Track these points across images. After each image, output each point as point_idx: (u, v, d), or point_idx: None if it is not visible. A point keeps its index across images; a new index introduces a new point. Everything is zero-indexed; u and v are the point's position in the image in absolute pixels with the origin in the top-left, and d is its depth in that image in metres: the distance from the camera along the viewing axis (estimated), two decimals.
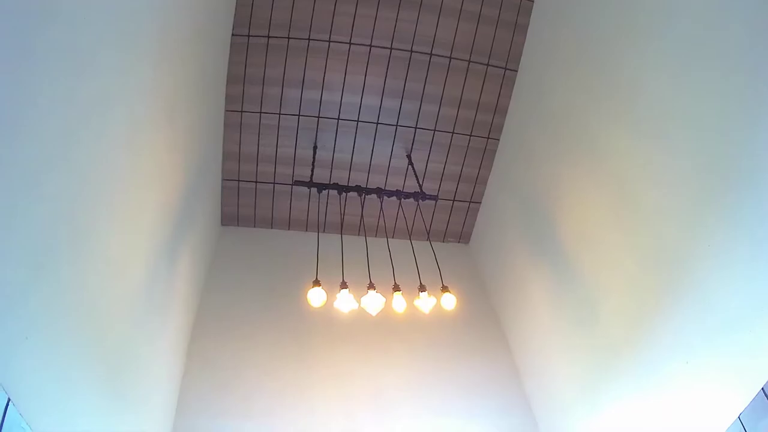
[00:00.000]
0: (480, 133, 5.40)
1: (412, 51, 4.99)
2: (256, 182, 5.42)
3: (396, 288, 4.24)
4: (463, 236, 6.01)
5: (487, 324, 5.19)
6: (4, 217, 1.58)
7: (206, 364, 4.38)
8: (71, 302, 2.11)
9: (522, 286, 4.80)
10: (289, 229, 5.76)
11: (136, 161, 2.78)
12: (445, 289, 4.28)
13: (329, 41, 4.88)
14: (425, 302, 4.23)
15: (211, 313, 4.70)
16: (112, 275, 2.59)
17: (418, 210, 5.25)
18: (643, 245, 3.31)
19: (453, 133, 5.35)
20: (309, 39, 4.84)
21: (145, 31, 2.63)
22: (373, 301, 4.10)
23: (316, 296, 4.07)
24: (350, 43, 4.91)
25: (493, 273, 5.45)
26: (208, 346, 4.49)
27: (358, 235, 5.45)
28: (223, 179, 5.37)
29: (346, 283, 4.13)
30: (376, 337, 4.76)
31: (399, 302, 4.24)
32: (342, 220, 4.90)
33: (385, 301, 4.14)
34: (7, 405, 1.66)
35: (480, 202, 5.77)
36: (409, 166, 5.39)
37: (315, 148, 5.25)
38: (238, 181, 5.39)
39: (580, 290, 3.94)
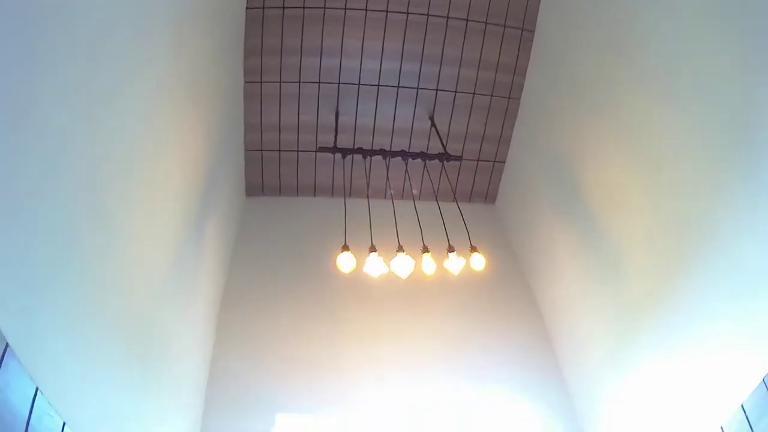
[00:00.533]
0: (501, 94, 5.36)
1: (428, 15, 4.95)
2: (279, 151, 5.45)
3: (425, 249, 4.28)
4: (489, 196, 6.00)
5: (516, 285, 5.23)
6: (32, 193, 1.63)
7: (237, 334, 4.48)
8: (100, 277, 2.19)
9: (549, 247, 4.82)
10: (315, 196, 5.79)
11: (159, 136, 2.85)
12: (473, 249, 4.31)
13: (345, 8, 4.87)
14: (454, 263, 4.27)
15: (240, 284, 4.79)
16: (140, 250, 2.66)
17: (443, 171, 5.26)
18: (667, 207, 3.32)
19: (474, 93, 5.32)
20: (324, 8, 4.83)
21: (161, 7, 2.66)
22: (403, 264, 4.13)
23: (345, 261, 4.12)
24: (366, 9, 4.89)
25: (519, 233, 5.47)
26: (238, 316, 4.58)
27: (385, 198, 5.46)
28: (246, 150, 5.40)
29: (374, 246, 4.17)
30: (406, 301, 4.82)
31: (428, 264, 4.28)
32: (368, 184, 4.91)
33: (415, 264, 4.17)
34: (36, 394, 1.70)
35: (504, 162, 5.75)
36: (432, 128, 5.39)
37: (337, 113, 5.26)
38: (261, 151, 5.43)
39: (605, 250, 3.95)
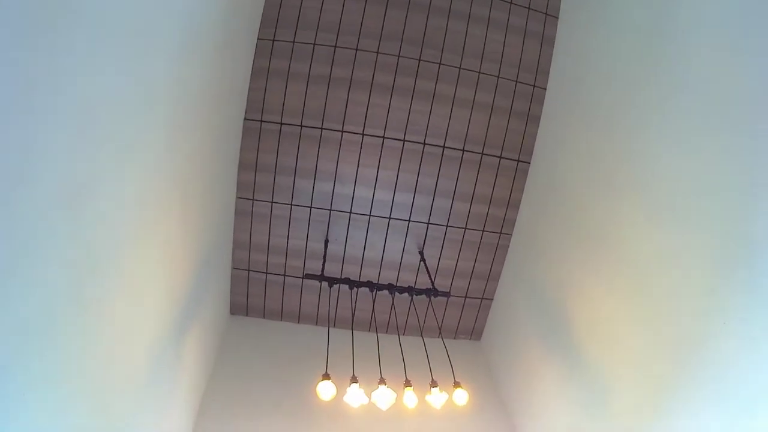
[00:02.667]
0: (492, 229, 5.35)
1: (425, 143, 5.02)
2: (266, 273, 5.37)
3: (407, 383, 4.13)
4: (475, 333, 5.85)
5: (498, 419, 4.98)
6: (6, 275, 1.54)
7: None
8: (73, 371, 2.04)
9: (534, 381, 4.65)
10: (299, 323, 5.65)
11: (147, 234, 2.74)
12: (457, 384, 4.16)
13: (342, 131, 4.93)
14: (437, 398, 4.11)
15: (217, 400, 4.55)
16: (118, 349, 2.51)
17: (430, 306, 5.20)
18: (656, 331, 3.21)
19: (465, 228, 5.31)
20: (322, 128, 4.90)
21: (159, 102, 2.65)
22: (384, 396, 3.97)
23: (325, 390, 3.96)
24: (363, 134, 4.96)
25: (504, 369, 5.28)
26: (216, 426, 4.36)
27: (369, 331, 5.37)
28: (233, 268, 5.33)
29: (356, 377, 4.02)
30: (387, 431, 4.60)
31: (410, 398, 4.12)
32: (353, 315, 4.80)
33: (396, 396, 4.02)
34: None
35: (492, 299, 5.65)
36: (422, 262, 5.34)
37: (327, 242, 5.23)
38: (248, 270, 5.35)
39: (591, 383, 3.79)
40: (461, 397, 4.15)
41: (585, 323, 4.01)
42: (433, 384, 4.12)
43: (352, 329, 4.53)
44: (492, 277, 5.55)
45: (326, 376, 3.98)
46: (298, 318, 5.63)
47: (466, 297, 5.61)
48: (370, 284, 4.80)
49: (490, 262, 5.48)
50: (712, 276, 2.84)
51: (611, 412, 3.57)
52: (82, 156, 1.90)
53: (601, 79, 4.21)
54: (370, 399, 4.01)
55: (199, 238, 3.91)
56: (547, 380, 4.45)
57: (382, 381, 4.01)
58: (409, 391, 4.12)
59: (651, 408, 3.19)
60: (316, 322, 5.62)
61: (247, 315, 5.59)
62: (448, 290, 5.04)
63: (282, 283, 5.43)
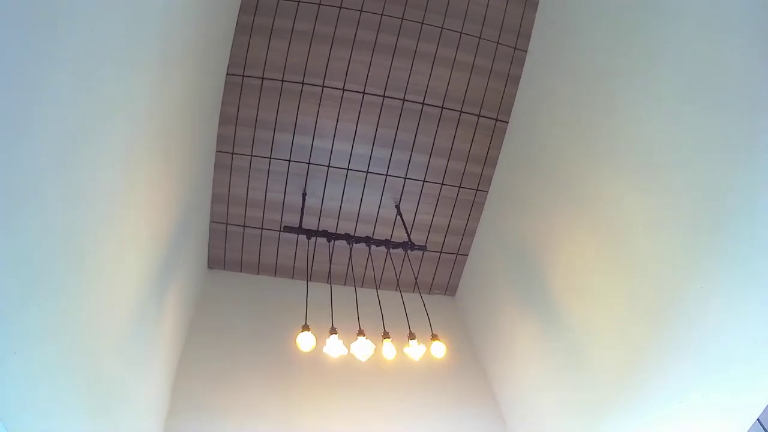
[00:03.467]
0: (469, 185, 5.43)
1: (404, 100, 5.06)
2: (244, 226, 5.39)
3: (385, 335, 4.19)
4: (450, 288, 5.96)
5: (474, 375, 5.08)
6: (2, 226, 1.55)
7: (191, 404, 4.24)
8: (62, 324, 2.05)
9: (509, 337, 4.75)
10: (275, 276, 5.69)
11: (133, 187, 2.74)
12: (434, 337, 4.23)
13: (323, 86, 4.95)
14: (415, 350, 4.18)
15: (196, 354, 4.57)
16: (104, 303, 2.52)
17: (406, 260, 5.24)
18: (634, 289, 3.28)
19: (442, 184, 5.38)
20: (303, 83, 4.91)
21: (146, 54, 2.63)
22: (363, 347, 4.03)
23: (305, 341, 3.99)
24: (344, 89, 4.98)
25: (479, 325, 5.38)
26: (193, 386, 4.34)
27: (345, 284, 5.43)
28: (212, 221, 5.35)
29: (335, 329, 4.07)
30: (365, 384, 4.67)
31: (389, 349, 4.19)
32: (330, 268, 4.86)
33: (375, 348, 4.09)
34: None
35: (467, 255, 5.75)
36: (398, 216, 5.40)
37: (304, 194, 5.25)
38: (226, 224, 5.37)
39: (568, 337, 3.89)
40: (439, 349, 4.22)
41: (561, 278, 4.10)
42: (411, 336, 4.19)
43: (330, 282, 4.57)
44: (467, 233, 5.65)
45: (306, 327, 4.02)
46: (275, 271, 5.67)
47: (441, 252, 5.69)
48: (347, 236, 4.84)
49: (466, 218, 5.56)
50: (689, 237, 2.92)
51: (586, 366, 3.67)
52: (76, 105, 1.90)
53: (583, 42, 4.26)
54: (349, 350, 4.08)
55: (180, 192, 3.90)
56: (523, 334, 4.55)
57: (360, 332, 4.07)
58: (387, 342, 4.19)
59: (626, 364, 3.28)
60: (293, 275, 5.67)
61: (224, 269, 5.62)
62: (424, 244, 5.10)
63: (259, 236, 5.46)
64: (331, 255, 4.96)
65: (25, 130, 1.59)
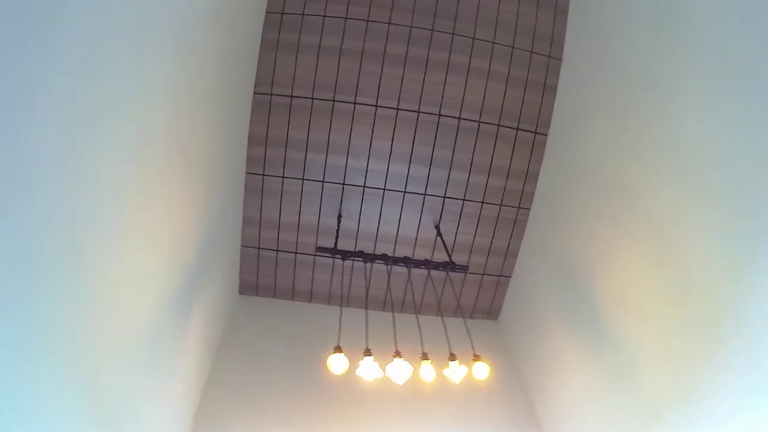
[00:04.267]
0: (510, 203, 5.18)
1: (440, 114, 4.86)
2: (277, 251, 5.20)
3: (424, 356, 3.94)
4: (492, 311, 5.67)
5: (517, 399, 4.80)
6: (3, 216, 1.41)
7: (218, 429, 4.06)
8: (62, 335, 1.88)
9: (555, 360, 4.47)
10: (311, 302, 5.48)
11: (143, 199, 2.56)
12: (477, 357, 3.98)
13: (355, 103, 4.78)
14: (456, 371, 3.92)
15: (224, 379, 4.37)
16: (111, 314, 2.33)
17: (447, 283, 5.03)
18: (687, 304, 3.03)
19: (483, 202, 5.14)
20: (334, 100, 4.75)
21: (162, 64, 2.52)
22: (400, 370, 3.76)
23: (336, 363, 3.75)
24: (376, 106, 4.80)
25: (523, 348, 5.10)
26: (219, 413, 4.13)
27: (383, 310, 5.21)
28: (243, 246, 5.17)
29: (370, 350, 3.84)
30: (401, 411, 4.41)
31: (428, 371, 3.92)
32: (367, 291, 4.64)
33: (413, 371, 3.84)
34: None
35: (510, 276, 5.49)
36: (438, 237, 5.17)
37: (339, 216, 5.06)
38: (259, 248, 5.19)
39: (618, 357, 3.61)
40: (482, 370, 3.96)
41: (610, 295, 3.84)
42: (452, 357, 3.94)
43: (366, 307, 4.34)
44: (510, 253, 5.39)
45: (338, 349, 3.79)
46: (310, 297, 5.46)
47: (483, 274, 5.43)
48: (385, 257, 4.62)
49: (508, 237, 5.31)
50: (745, 246, 2.68)
51: (636, 386, 3.41)
52: (81, 103, 1.78)
53: (618, 45, 4.06)
54: (384, 373, 3.83)
55: (205, 210, 3.75)
56: (569, 356, 4.28)
57: (397, 354, 3.81)
58: (426, 364, 3.93)
59: (678, 383, 3.03)
60: (329, 301, 5.45)
61: (257, 294, 5.42)
62: (465, 264, 4.86)
63: (293, 261, 5.27)
64: (368, 279, 4.77)
65: (24, 130, 1.46)
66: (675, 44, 3.36)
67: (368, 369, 3.80)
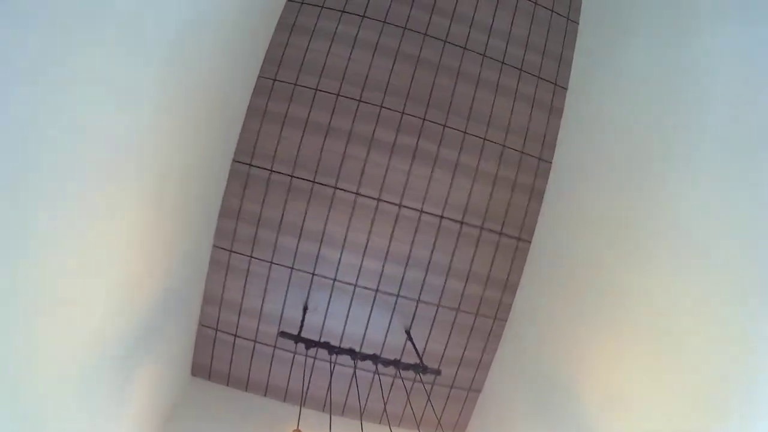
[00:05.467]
0: (487, 313, 4.89)
1: (422, 211, 4.65)
2: (235, 336, 4.87)
3: None
4: (458, 428, 5.24)
5: None
6: None
7: None
8: None
9: None
10: (265, 395, 5.09)
11: (109, 219, 2.33)
12: None
13: (335, 187, 4.58)
14: None
15: None
16: (43, 366, 2.05)
17: (414, 393, 4.68)
18: (686, 389, 2.76)
19: (458, 310, 4.86)
20: (314, 181, 4.55)
21: (141, 99, 2.35)
22: None
23: None
24: (357, 193, 4.60)
25: None
26: None
27: (342, 414, 4.86)
28: (201, 324, 4.84)
29: None
30: None
31: None
32: (330, 384, 4.30)
33: None
34: None
35: (480, 390, 5.12)
36: (408, 341, 4.85)
37: (305, 308, 4.76)
38: (216, 330, 4.85)
39: None
40: None
41: (599, 401, 3.49)
42: None
43: (330, 409, 4.00)
44: (482, 366, 5.04)
45: (297, 431, 3.41)
46: (265, 390, 5.07)
47: (452, 387, 5.07)
48: (351, 352, 4.29)
49: (482, 349, 4.98)
50: (744, 324, 2.49)
51: None
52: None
53: (610, 141, 3.97)
54: None
55: (170, 260, 3.49)
56: None
57: None
58: None
59: None
60: (285, 398, 5.06)
61: (209, 379, 5.05)
62: (437, 368, 4.53)
63: (251, 350, 4.93)
64: (332, 369, 4.43)
65: None
66: (667, 141, 3.31)
67: None
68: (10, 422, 1.89)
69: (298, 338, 4.31)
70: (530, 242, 4.82)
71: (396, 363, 4.35)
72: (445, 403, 5.12)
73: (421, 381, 4.47)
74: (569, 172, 4.49)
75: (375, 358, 4.32)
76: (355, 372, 4.41)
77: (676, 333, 2.91)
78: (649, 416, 3.05)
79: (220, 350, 4.93)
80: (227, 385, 5.04)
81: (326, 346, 4.31)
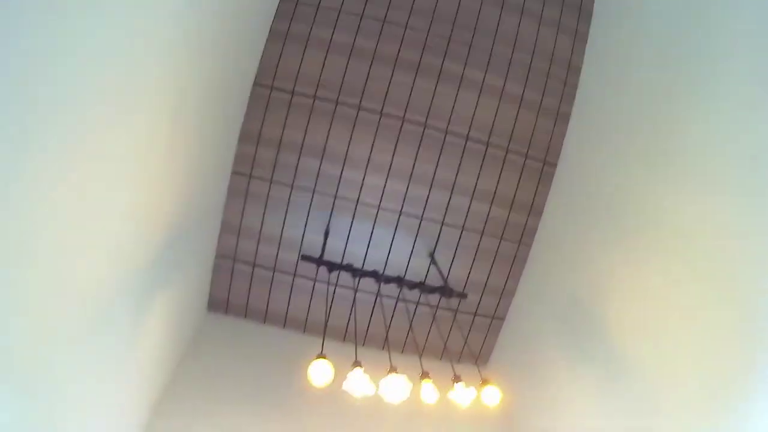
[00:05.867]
0: (511, 237, 4.81)
1: (447, 131, 4.57)
2: (254, 265, 4.71)
3: (424, 375, 3.41)
4: (482, 356, 5.12)
5: None
6: None
7: None
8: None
9: (559, 404, 3.96)
10: (284, 327, 4.93)
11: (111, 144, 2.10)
12: (486, 381, 3.46)
13: (359, 107, 4.47)
14: (463, 394, 3.37)
15: (181, 399, 3.76)
16: (47, 278, 1.84)
17: (434, 324, 4.57)
18: (719, 315, 2.67)
19: (483, 234, 4.77)
20: (337, 102, 4.44)
21: (163, 26, 2.26)
22: (396, 386, 3.16)
23: (320, 372, 3.17)
24: (381, 113, 4.50)
25: (517, 400, 4.56)
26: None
27: (364, 345, 4.74)
28: (218, 255, 4.68)
29: (360, 362, 3.31)
30: None
31: (429, 392, 3.36)
32: (353, 307, 4.18)
33: (411, 389, 3.22)
34: None
35: (503, 318, 5.04)
36: (432, 266, 4.75)
37: (327, 232, 4.63)
38: (234, 260, 4.69)
39: (637, 387, 3.13)
40: (492, 395, 3.43)
41: (628, 326, 3.38)
42: (456, 379, 3.43)
43: (354, 334, 3.87)
44: (506, 293, 4.96)
45: (321, 356, 3.24)
46: (284, 322, 4.92)
47: (475, 314, 4.96)
48: (375, 274, 4.18)
49: (506, 275, 4.90)
50: None
51: (662, 417, 2.94)
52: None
53: (637, 64, 3.91)
54: (377, 389, 3.26)
55: (187, 189, 3.30)
56: (579, 397, 3.78)
57: (392, 369, 3.25)
58: (427, 383, 3.38)
59: (713, 405, 2.61)
60: (304, 329, 4.92)
61: (226, 313, 4.87)
62: (462, 291, 4.42)
63: (270, 279, 4.77)
64: (355, 293, 4.31)
65: None
66: (692, 63, 3.26)
67: (358, 383, 3.22)
68: (18, 362, 1.72)
69: (320, 261, 4.19)
70: (556, 166, 4.75)
71: (421, 286, 4.24)
72: (469, 332, 5.01)
73: (446, 306, 4.38)
74: (595, 97, 4.44)
75: (399, 281, 4.22)
76: (379, 292, 4.30)
77: (711, 262, 2.83)
78: (678, 340, 2.96)
79: (238, 281, 4.77)
80: (245, 317, 4.88)
81: (349, 268, 4.20)
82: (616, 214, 3.76)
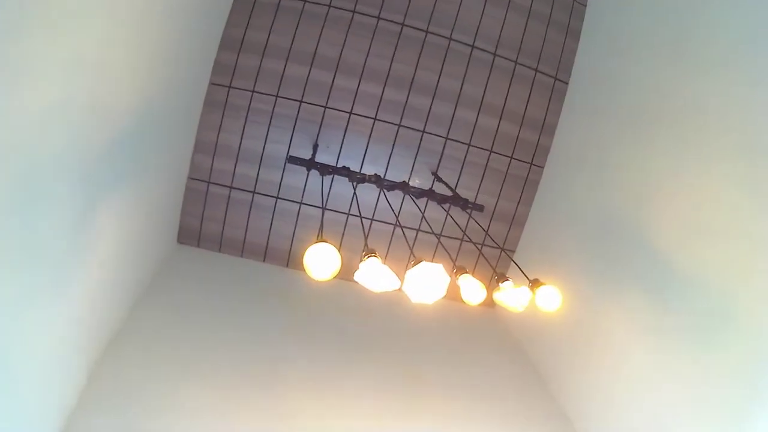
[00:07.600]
0: (522, 157, 4.35)
1: (451, 38, 4.12)
2: (231, 188, 4.10)
3: (461, 270, 2.75)
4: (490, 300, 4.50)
5: (535, 393, 3.62)
6: None
7: (118, 399, 2.56)
8: None
9: (589, 335, 3.40)
10: (264, 261, 4.30)
11: None
12: (537, 282, 2.73)
13: (354, 11, 3.99)
14: (513, 295, 2.64)
15: (141, 335, 2.98)
16: None
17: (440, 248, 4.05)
18: None
19: (491, 151, 4.27)
20: (330, 5, 3.96)
21: None
22: (430, 277, 2.31)
23: (321, 258, 2.52)
24: (379, 17, 4.03)
25: (536, 337, 4.01)
26: (127, 375, 2.69)
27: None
28: (189, 177, 4.07)
29: (374, 251, 2.54)
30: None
31: (471, 287, 2.66)
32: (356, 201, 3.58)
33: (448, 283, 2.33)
34: None
35: (514, 251, 4.50)
36: (436, 182, 4.19)
37: (315, 146, 4.07)
38: (208, 183, 4.08)
39: (700, 301, 2.59)
40: (552, 297, 2.69)
41: (678, 226, 2.87)
42: (501, 278, 2.75)
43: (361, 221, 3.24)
44: (516, 221, 4.44)
45: (322, 239, 2.46)
46: (264, 255, 4.29)
47: (483, 244, 4.37)
48: (378, 179, 3.57)
49: (516, 200, 4.39)
50: None
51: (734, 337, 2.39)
52: None
53: None
54: (401, 283, 2.39)
55: (146, 103, 2.65)
56: (620, 323, 3.17)
57: (416, 260, 2.38)
58: (465, 278, 2.70)
59: None
60: (287, 262, 4.30)
61: (198, 246, 4.22)
62: (475, 202, 3.84)
63: (249, 204, 4.16)
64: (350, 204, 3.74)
65: None
66: None
67: (374, 273, 2.40)
68: None
69: (311, 162, 3.62)
70: (567, 83, 4.32)
71: (430, 193, 3.65)
72: (474, 266, 4.44)
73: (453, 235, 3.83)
74: (607, 9, 4.08)
75: (404, 187, 3.60)
76: (383, 194, 3.73)
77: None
78: (743, 239, 2.44)
79: (212, 207, 4.16)
80: (219, 251, 4.25)
81: (346, 171, 3.59)
82: (635, 126, 3.37)
